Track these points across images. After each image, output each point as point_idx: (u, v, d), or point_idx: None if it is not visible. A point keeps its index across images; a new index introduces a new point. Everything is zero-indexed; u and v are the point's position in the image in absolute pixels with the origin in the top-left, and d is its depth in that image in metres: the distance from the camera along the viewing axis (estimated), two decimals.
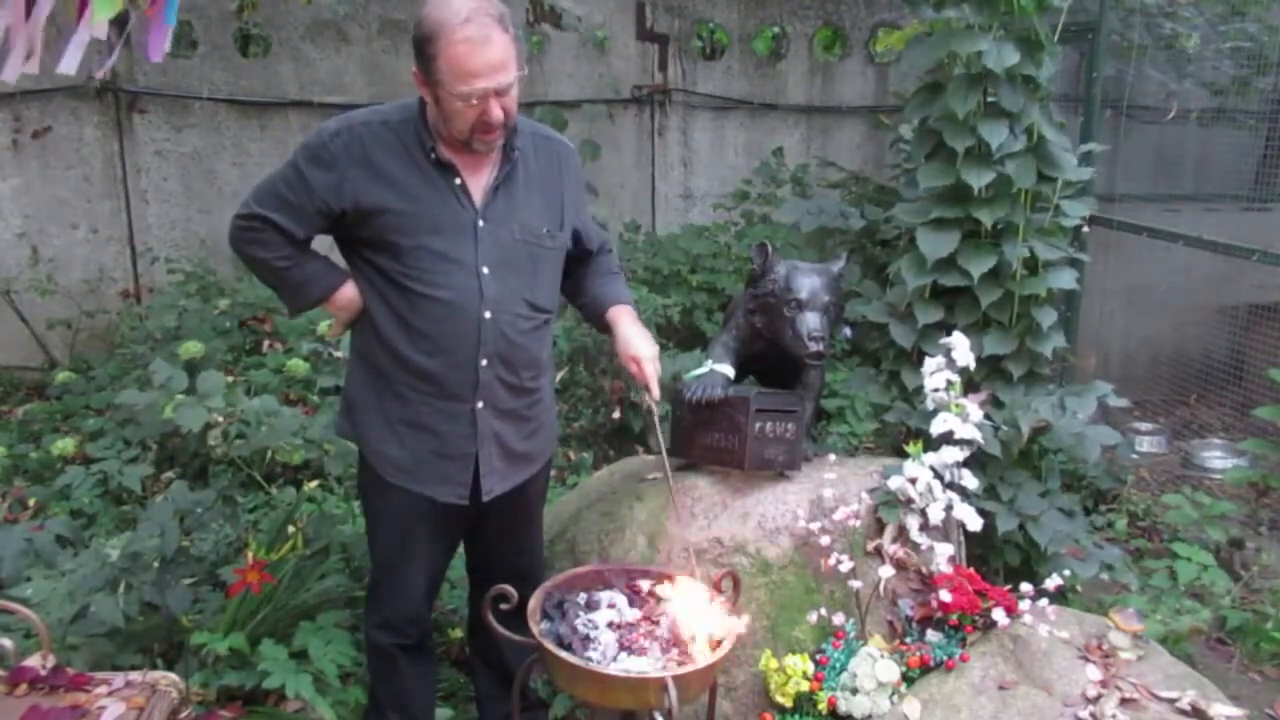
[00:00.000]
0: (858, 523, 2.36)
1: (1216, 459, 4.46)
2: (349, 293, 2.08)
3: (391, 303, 2.01)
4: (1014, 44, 2.82)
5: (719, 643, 1.92)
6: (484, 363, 2.02)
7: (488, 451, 2.08)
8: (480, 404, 2.04)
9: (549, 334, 2.19)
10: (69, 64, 1.66)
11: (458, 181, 1.99)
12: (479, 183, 2.01)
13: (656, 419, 2.20)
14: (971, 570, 2.38)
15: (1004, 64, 2.79)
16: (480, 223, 2.00)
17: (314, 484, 3.42)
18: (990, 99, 2.90)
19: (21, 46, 1.64)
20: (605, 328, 2.25)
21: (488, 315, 2.00)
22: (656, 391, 2.18)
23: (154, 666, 2.37)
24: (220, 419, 3.24)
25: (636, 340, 2.18)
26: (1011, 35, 2.86)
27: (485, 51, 1.82)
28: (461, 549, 2.36)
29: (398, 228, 1.96)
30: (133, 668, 2.14)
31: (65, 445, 3.53)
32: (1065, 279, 2.95)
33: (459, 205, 1.99)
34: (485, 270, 1.99)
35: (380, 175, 1.95)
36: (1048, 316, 2.93)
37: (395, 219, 1.95)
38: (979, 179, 2.85)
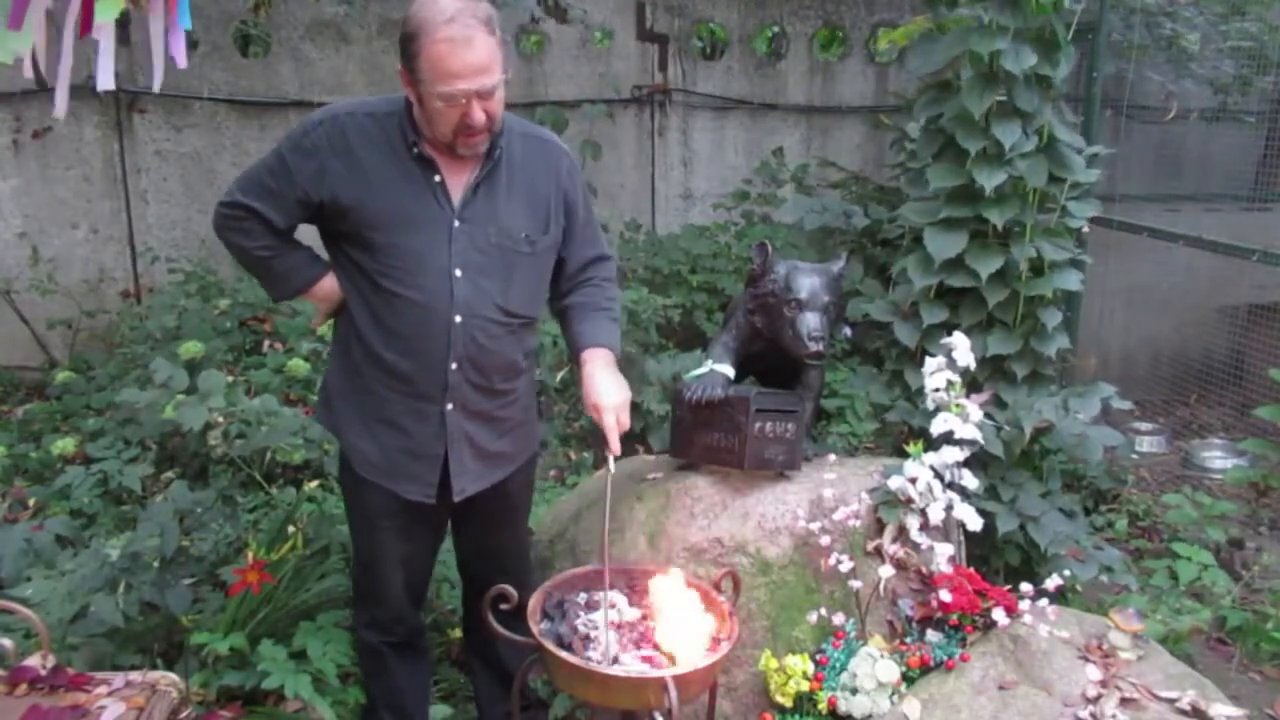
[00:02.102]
0: (858, 523, 2.36)
1: (1216, 459, 4.46)
2: (329, 285, 2.07)
3: (368, 299, 2.00)
4: (1031, 44, 2.81)
5: (717, 642, 1.92)
6: (454, 365, 1.99)
7: (458, 452, 2.06)
8: (450, 405, 2.02)
9: (528, 337, 2.13)
10: (105, 81, 1.67)
11: (437, 179, 1.95)
12: (459, 181, 1.97)
13: (610, 477, 2.00)
14: (971, 570, 2.37)
15: (1023, 65, 2.78)
16: (456, 223, 1.96)
17: (314, 484, 3.42)
18: (1001, 98, 2.89)
19: (65, 81, 1.65)
20: (579, 369, 2.14)
21: (458, 319, 1.97)
22: (616, 447, 2.03)
23: (154, 666, 2.37)
24: (220, 419, 3.24)
25: (601, 387, 2.04)
26: (1029, 35, 2.86)
27: (467, 52, 1.79)
28: (454, 549, 2.37)
29: (373, 224, 1.94)
30: (133, 668, 2.14)
31: (65, 445, 3.53)
32: (1071, 280, 2.95)
33: (436, 204, 1.96)
34: (458, 273, 1.96)
35: (359, 168, 1.93)
36: (1053, 317, 2.93)
37: (371, 215, 1.94)
38: (991, 179, 2.84)
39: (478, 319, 1.99)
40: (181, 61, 1.77)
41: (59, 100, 1.68)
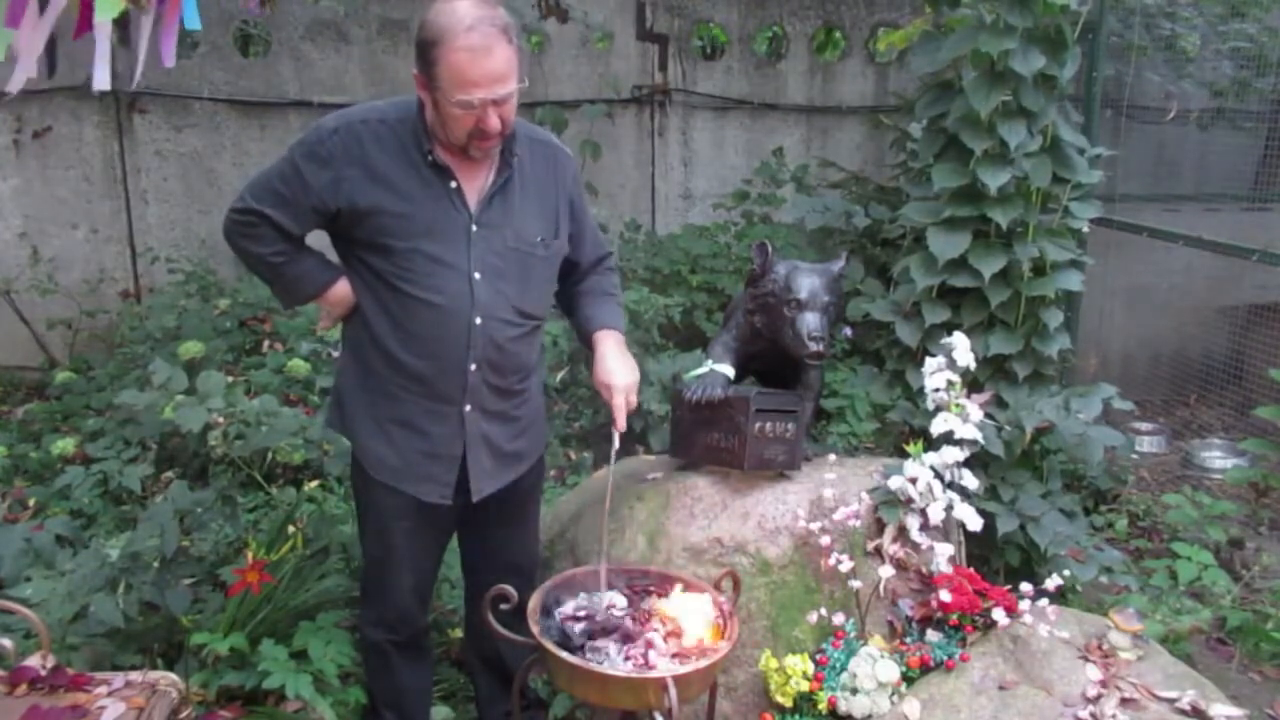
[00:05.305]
0: (858, 523, 2.36)
1: (1216, 459, 4.46)
2: (342, 290, 2.07)
3: (384, 303, 2.01)
4: (1037, 44, 2.81)
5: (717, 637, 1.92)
6: (473, 367, 2.01)
7: (476, 453, 2.08)
8: (468, 407, 2.04)
9: (538, 338, 2.19)
10: (101, 80, 1.66)
11: (453, 185, 1.98)
12: (475, 187, 2.00)
13: (614, 452, 2.14)
14: (971, 570, 2.37)
15: (1031, 66, 2.77)
16: (474, 228, 1.99)
17: (314, 484, 3.42)
18: (1006, 98, 2.89)
19: (28, 56, 1.63)
20: (592, 350, 2.23)
21: (478, 321, 1.99)
22: (622, 424, 2.12)
23: (154, 666, 2.37)
24: (220, 419, 3.24)
25: (613, 367, 2.14)
26: (1037, 35, 2.85)
27: (487, 61, 1.81)
28: (460, 549, 2.37)
29: (392, 230, 1.95)
30: (133, 668, 2.14)
31: (65, 445, 3.53)
32: (1072, 280, 2.95)
33: (454, 209, 1.98)
34: (477, 276, 1.99)
35: (376, 175, 1.94)
36: (1054, 317, 2.94)
37: (390, 220, 1.95)
38: (995, 179, 2.84)
39: (496, 321, 2.01)
40: (168, 61, 1.76)
41: (16, 77, 1.65)
